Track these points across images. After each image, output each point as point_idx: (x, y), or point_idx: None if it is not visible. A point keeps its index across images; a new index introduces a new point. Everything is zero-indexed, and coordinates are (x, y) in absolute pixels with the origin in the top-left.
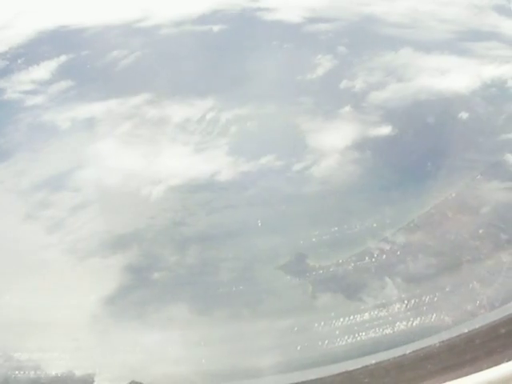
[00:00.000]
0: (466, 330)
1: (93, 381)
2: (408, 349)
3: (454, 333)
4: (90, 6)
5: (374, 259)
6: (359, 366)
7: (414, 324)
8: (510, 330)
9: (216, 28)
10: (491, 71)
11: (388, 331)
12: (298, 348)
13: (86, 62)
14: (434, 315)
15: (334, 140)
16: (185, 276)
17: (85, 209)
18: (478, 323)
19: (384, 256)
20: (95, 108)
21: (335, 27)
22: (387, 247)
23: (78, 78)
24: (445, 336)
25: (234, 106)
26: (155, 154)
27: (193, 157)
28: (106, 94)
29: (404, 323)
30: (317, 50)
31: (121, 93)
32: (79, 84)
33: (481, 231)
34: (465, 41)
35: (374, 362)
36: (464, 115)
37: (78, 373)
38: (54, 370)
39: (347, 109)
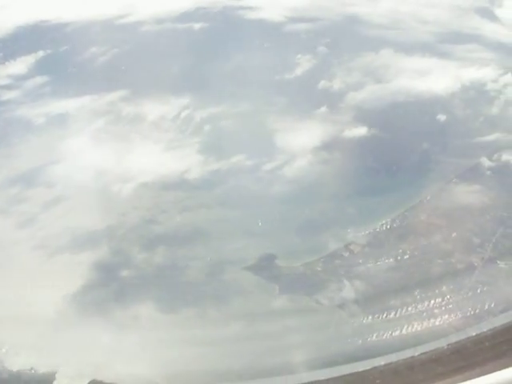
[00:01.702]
0: (474, 334)
1: (54, 378)
2: (417, 351)
3: (462, 336)
4: (73, 1)
5: (343, 261)
6: (369, 367)
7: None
8: (509, 336)
9: (197, 26)
10: (471, 74)
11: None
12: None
13: (64, 58)
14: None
15: (307, 140)
16: (153, 274)
17: (57, 205)
18: (485, 327)
19: (353, 258)
20: (69, 104)
21: (317, 27)
22: (357, 249)
23: (55, 74)
24: (453, 339)
25: (209, 104)
26: (127, 152)
27: (164, 155)
28: (81, 91)
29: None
30: (297, 50)
31: (96, 89)
32: (55, 80)
33: (454, 235)
34: (446, 43)
35: (383, 363)
36: (442, 117)
37: (40, 370)
38: (16, 366)
39: (323, 109)
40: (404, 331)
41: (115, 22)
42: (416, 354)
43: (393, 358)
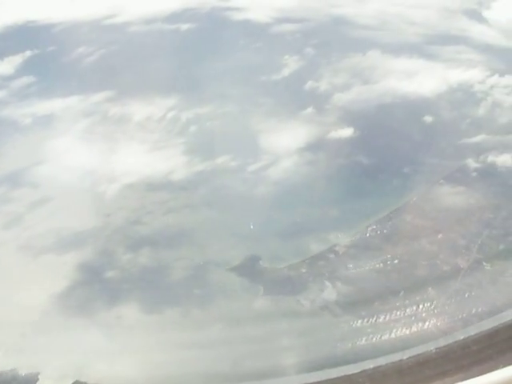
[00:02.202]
0: (462, 337)
1: (37, 379)
2: (405, 354)
3: (450, 339)
4: (61, 2)
5: (328, 263)
6: (358, 371)
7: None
8: (504, 337)
9: (185, 27)
10: (458, 75)
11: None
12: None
13: (51, 58)
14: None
15: (293, 141)
16: (137, 275)
17: (43, 205)
18: (473, 330)
19: (338, 260)
20: (55, 104)
21: (304, 28)
22: (342, 251)
23: (41, 74)
24: (441, 342)
25: (196, 105)
26: (113, 152)
27: (150, 155)
28: (67, 91)
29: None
30: (284, 51)
31: (83, 90)
32: (42, 80)
33: (439, 236)
34: (433, 44)
35: (372, 366)
36: (428, 119)
37: (22, 371)
38: None
39: (309, 110)
40: (388, 334)
41: (103, 22)
42: (405, 357)
43: (382, 361)
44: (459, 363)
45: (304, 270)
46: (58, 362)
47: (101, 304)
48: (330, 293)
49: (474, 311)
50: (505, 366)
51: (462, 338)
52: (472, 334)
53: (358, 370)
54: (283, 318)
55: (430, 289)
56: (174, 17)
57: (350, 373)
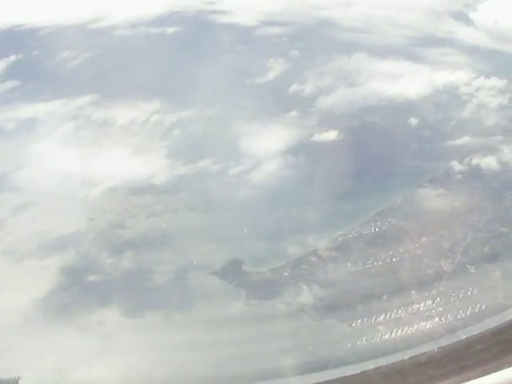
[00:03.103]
0: (465, 337)
1: None
2: (407, 354)
3: (452, 339)
4: (47, 6)
5: (310, 266)
6: (358, 371)
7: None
8: (509, 336)
9: (170, 30)
10: (444, 77)
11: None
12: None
13: (36, 63)
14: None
15: (276, 145)
16: (119, 279)
17: (26, 210)
18: (476, 330)
19: (321, 263)
20: (39, 108)
21: (290, 31)
22: (325, 254)
23: (25, 78)
24: (443, 342)
25: (180, 109)
26: (96, 156)
27: (132, 159)
28: (51, 95)
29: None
30: (269, 54)
31: (66, 94)
32: (25, 84)
33: (424, 239)
34: (419, 46)
35: (372, 367)
36: (413, 121)
37: (2, 376)
38: None
39: (294, 113)
40: (372, 337)
41: (88, 26)
42: (406, 357)
43: (382, 361)
44: (463, 363)
45: (286, 274)
46: (39, 366)
47: (82, 308)
48: (311, 296)
49: (458, 314)
50: (510, 365)
51: (465, 337)
52: (475, 333)
53: (358, 371)
54: (265, 321)
55: (413, 292)
56: (160, 20)
57: (350, 374)
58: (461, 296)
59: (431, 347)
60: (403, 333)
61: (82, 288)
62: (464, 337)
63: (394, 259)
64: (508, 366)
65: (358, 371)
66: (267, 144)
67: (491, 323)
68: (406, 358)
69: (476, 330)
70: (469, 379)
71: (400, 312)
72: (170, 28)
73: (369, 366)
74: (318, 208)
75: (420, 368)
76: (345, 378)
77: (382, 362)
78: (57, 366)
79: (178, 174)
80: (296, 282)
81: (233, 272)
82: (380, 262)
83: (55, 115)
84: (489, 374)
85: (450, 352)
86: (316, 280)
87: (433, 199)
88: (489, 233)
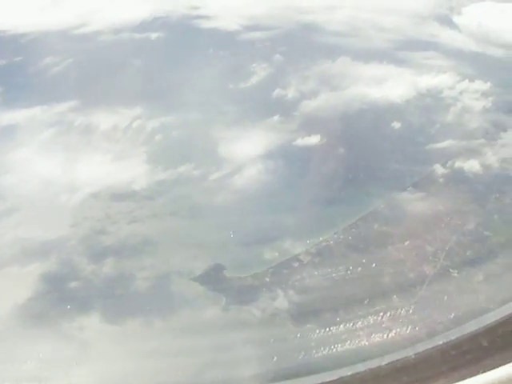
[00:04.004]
0: (441, 342)
1: None
2: (384, 360)
3: (429, 345)
4: (31, 12)
5: (292, 271)
6: (335, 378)
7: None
8: (483, 342)
9: (154, 35)
10: (428, 81)
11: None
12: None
13: (18, 69)
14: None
15: (258, 149)
16: (100, 285)
17: (7, 216)
18: (453, 335)
19: (303, 268)
20: (19, 115)
21: (273, 35)
22: (307, 259)
23: (7, 85)
24: (420, 348)
25: (162, 114)
26: (77, 162)
27: (112, 165)
28: (32, 101)
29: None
30: (253, 59)
31: (48, 100)
32: (7, 90)
33: (407, 243)
34: (404, 50)
35: (350, 373)
36: (396, 125)
37: None
38: None
39: (276, 118)
40: (352, 342)
41: (72, 32)
42: (383, 363)
43: (360, 367)
44: (439, 369)
45: (268, 279)
46: (17, 373)
47: (63, 315)
48: (292, 301)
49: (439, 318)
50: (484, 371)
51: (441, 342)
52: (452, 338)
53: (336, 377)
54: (245, 326)
55: (395, 296)
56: (144, 25)
57: (328, 380)
58: (442, 300)
59: (411, 352)
60: (383, 338)
61: (63, 294)
62: (443, 341)
63: (376, 264)
64: (484, 371)
65: (336, 377)
66: (249, 149)
67: (471, 327)
68: (384, 363)
69: (455, 334)
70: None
71: (381, 317)
72: (153, 33)
73: (346, 372)
74: (300, 213)
75: (399, 373)
76: (340, 379)
77: (361, 367)
78: (36, 374)
79: (158, 180)
80: (277, 288)
81: (214, 278)
82: (362, 267)
83: (36, 121)
84: (466, 378)
85: (429, 357)
86: (297, 285)
87: (416, 203)
88: (472, 236)
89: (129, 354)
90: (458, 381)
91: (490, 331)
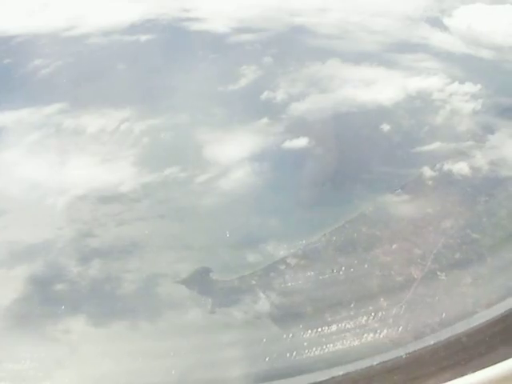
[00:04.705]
0: (432, 342)
1: None
2: (375, 360)
3: (419, 345)
4: (20, 14)
5: (279, 274)
6: (327, 378)
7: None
8: (474, 342)
9: (144, 38)
10: (418, 83)
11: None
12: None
13: (6, 71)
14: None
15: (245, 152)
16: (86, 288)
17: None
18: (443, 335)
19: (290, 271)
20: (6, 117)
21: (263, 38)
22: (294, 262)
23: None
24: (411, 348)
25: (150, 117)
26: (64, 165)
27: (100, 167)
28: (20, 104)
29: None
30: (242, 61)
31: (36, 102)
32: None
33: (394, 246)
34: (394, 52)
35: (341, 373)
36: (385, 127)
37: None
38: None
39: (264, 120)
40: (340, 345)
41: (61, 34)
42: (374, 363)
43: (350, 367)
44: (428, 369)
45: (254, 282)
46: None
47: (48, 317)
48: (279, 304)
49: (426, 322)
50: (474, 371)
51: (432, 343)
52: (442, 339)
53: (327, 377)
54: (231, 329)
55: (381, 300)
56: (134, 28)
57: (319, 380)
58: (429, 303)
59: (401, 352)
60: (371, 340)
61: (49, 297)
62: (434, 341)
63: (363, 267)
64: (474, 371)
65: (327, 377)
66: (237, 151)
67: (460, 328)
68: (375, 363)
69: (445, 334)
70: None
71: (368, 319)
72: (143, 36)
73: (338, 371)
74: (287, 215)
75: (390, 373)
76: (332, 378)
77: (352, 367)
78: (20, 376)
79: (145, 182)
80: (264, 291)
81: (200, 280)
82: (350, 270)
83: (23, 124)
84: (456, 378)
85: (420, 357)
86: (284, 288)
87: (404, 206)
88: (460, 239)
89: (114, 356)
90: (449, 380)
91: (480, 332)
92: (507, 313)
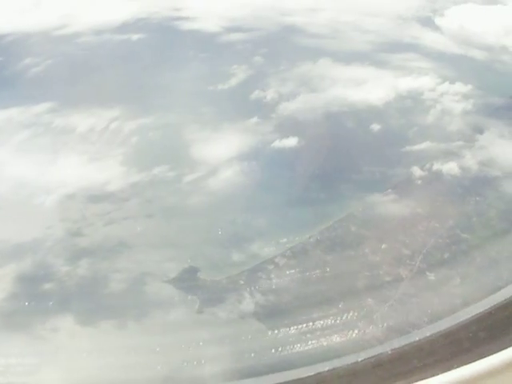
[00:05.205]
0: (417, 338)
1: None
2: (360, 356)
3: (404, 341)
4: (11, 13)
5: (267, 274)
6: (312, 373)
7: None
8: (458, 338)
9: (135, 37)
10: (409, 83)
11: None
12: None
13: None
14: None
15: (235, 151)
16: (74, 287)
17: None
18: (428, 331)
19: (278, 271)
20: None
21: (254, 37)
22: (283, 262)
23: None
24: (396, 344)
25: (139, 116)
26: (53, 164)
27: (89, 166)
28: (9, 102)
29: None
30: (233, 60)
31: (25, 101)
32: None
33: (383, 246)
34: (385, 52)
35: (326, 369)
36: (375, 127)
37: None
38: None
39: (254, 120)
40: (327, 344)
41: (53, 33)
42: (359, 359)
43: (336, 363)
44: (414, 365)
45: (242, 282)
46: None
47: (36, 316)
48: (267, 304)
49: (412, 320)
50: (458, 366)
51: (417, 339)
52: (427, 334)
53: (312, 373)
54: (218, 328)
55: (370, 299)
56: (125, 27)
57: (304, 375)
58: (416, 303)
59: (387, 348)
60: (357, 338)
61: (37, 296)
62: (419, 337)
63: (352, 266)
64: (458, 367)
65: (313, 373)
66: (226, 150)
67: (446, 324)
68: (360, 359)
69: (431, 330)
70: (418, 380)
71: (356, 319)
72: (134, 35)
73: (323, 367)
74: (276, 215)
75: (375, 368)
76: (318, 374)
77: (337, 363)
78: (8, 373)
79: (133, 182)
80: (252, 290)
81: (188, 280)
82: (338, 270)
83: (13, 122)
84: (441, 373)
85: (405, 353)
86: (272, 288)
87: (394, 205)
88: (450, 239)
89: (101, 354)
90: (433, 376)
91: (465, 328)
92: (492, 309)
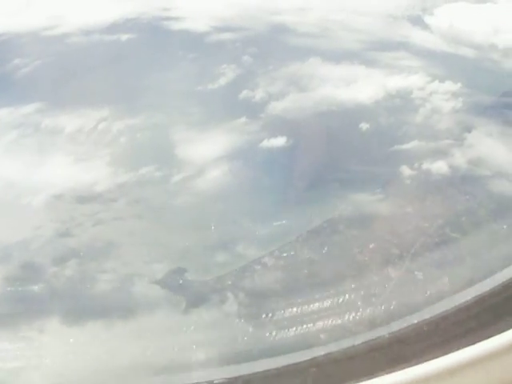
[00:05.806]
0: (416, 321)
1: None
2: (357, 340)
3: (403, 324)
4: (0, 14)
5: (255, 274)
6: (308, 358)
7: None
8: (458, 320)
9: (124, 37)
10: (397, 82)
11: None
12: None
13: None
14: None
15: (222, 151)
16: (61, 288)
17: None
18: (427, 314)
19: (266, 271)
20: None
21: (243, 37)
22: (271, 262)
23: None
24: (394, 327)
25: (128, 116)
26: (41, 164)
27: (77, 167)
28: None
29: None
30: (222, 60)
31: (13, 102)
32: None
33: (371, 246)
34: (375, 51)
35: (323, 353)
36: (364, 126)
37: None
38: None
39: (242, 120)
40: (311, 344)
41: (41, 33)
42: (356, 343)
43: (333, 347)
44: (412, 348)
45: (230, 282)
46: None
47: (22, 318)
48: (254, 304)
49: (399, 319)
50: (457, 349)
51: (416, 321)
52: (426, 317)
53: (308, 357)
54: (204, 329)
55: (358, 299)
56: (115, 27)
57: (300, 360)
58: (406, 301)
59: (384, 331)
60: (345, 337)
61: (24, 297)
62: (418, 320)
63: (341, 266)
64: (458, 350)
65: (309, 357)
66: (214, 150)
67: (444, 306)
68: (357, 343)
69: (429, 313)
70: (417, 363)
71: (344, 318)
72: (124, 35)
73: (319, 351)
74: (264, 215)
75: (372, 352)
76: (313, 359)
77: (333, 347)
78: None
79: (121, 182)
80: (239, 291)
81: (175, 281)
82: (327, 270)
83: (1, 123)
84: (440, 357)
85: (403, 336)
86: (260, 288)
87: (382, 205)
88: (439, 238)
89: (88, 354)
90: (432, 359)
91: (464, 310)
92: (489, 292)
